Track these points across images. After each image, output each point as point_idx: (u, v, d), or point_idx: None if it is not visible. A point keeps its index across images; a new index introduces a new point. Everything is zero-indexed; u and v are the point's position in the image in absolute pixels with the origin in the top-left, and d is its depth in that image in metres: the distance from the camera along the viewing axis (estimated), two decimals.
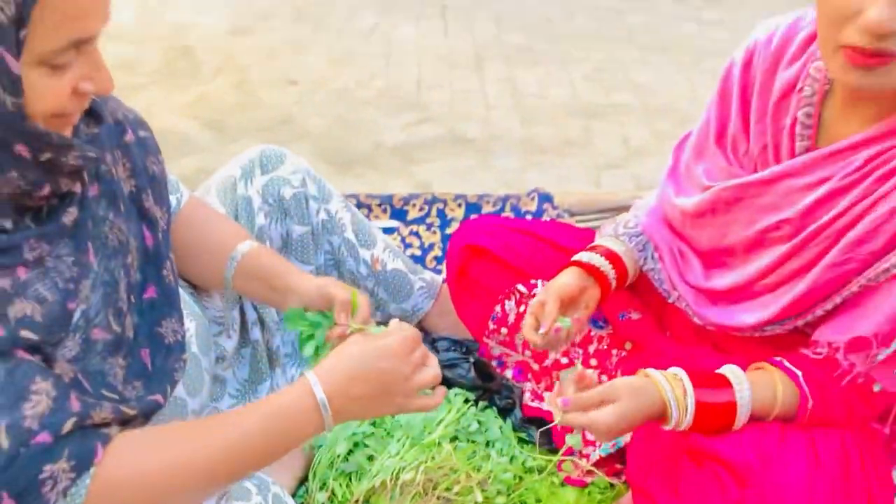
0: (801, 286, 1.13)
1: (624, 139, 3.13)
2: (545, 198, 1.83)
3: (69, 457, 0.87)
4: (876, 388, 1.08)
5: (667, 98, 3.43)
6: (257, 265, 1.24)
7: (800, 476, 1.02)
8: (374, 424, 1.31)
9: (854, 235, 1.07)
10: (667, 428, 1.09)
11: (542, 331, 1.20)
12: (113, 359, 1.03)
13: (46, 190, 0.93)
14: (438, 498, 1.17)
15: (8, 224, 0.91)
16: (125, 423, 0.96)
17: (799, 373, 1.10)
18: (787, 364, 1.12)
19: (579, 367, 1.12)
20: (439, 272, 1.69)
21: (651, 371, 1.10)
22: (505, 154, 3.05)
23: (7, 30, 0.77)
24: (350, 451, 1.27)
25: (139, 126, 1.15)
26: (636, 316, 1.38)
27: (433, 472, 1.19)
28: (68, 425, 0.88)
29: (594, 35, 4.10)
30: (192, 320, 1.21)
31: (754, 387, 1.09)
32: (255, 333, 1.41)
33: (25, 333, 0.88)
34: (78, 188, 1.00)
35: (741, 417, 1.09)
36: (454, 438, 1.28)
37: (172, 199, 1.24)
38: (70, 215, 0.98)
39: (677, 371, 1.10)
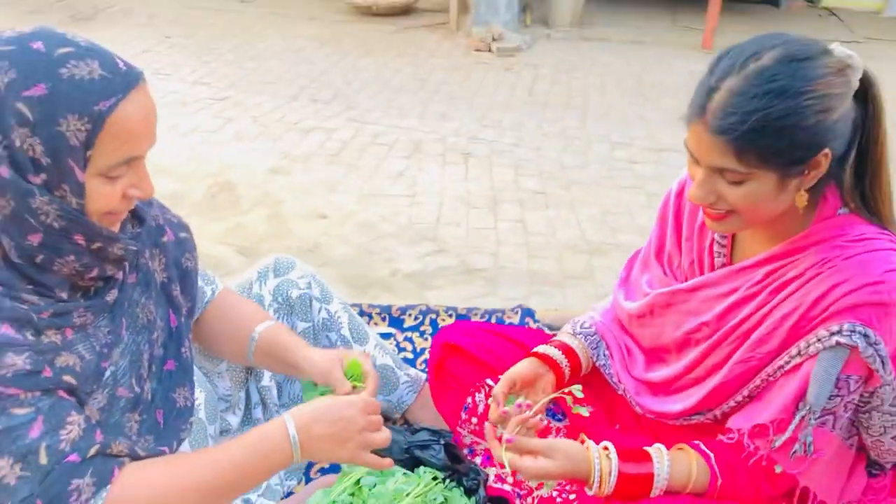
0: (715, 379, 1.33)
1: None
2: (527, 312, 2.05)
3: (92, 474, 1.08)
4: (777, 470, 1.25)
5: None
6: (273, 342, 1.49)
7: None
8: (352, 495, 1.49)
9: (755, 337, 1.27)
10: (588, 493, 1.26)
11: (495, 410, 1.40)
12: (131, 414, 1.26)
13: (95, 272, 1.19)
14: None
15: (64, 295, 1.17)
16: (135, 460, 1.18)
17: (711, 454, 1.28)
18: (702, 447, 1.30)
19: (528, 412, 1.32)
20: (425, 373, 1.90)
21: (589, 443, 1.29)
22: (511, 284, 3.30)
23: (78, 150, 1.06)
24: None
25: (180, 229, 1.44)
26: (588, 409, 1.57)
27: None
28: (92, 451, 1.10)
29: (605, 182, 4.43)
30: (202, 392, 1.44)
31: (673, 463, 1.27)
32: (258, 412, 1.62)
33: (67, 378, 1.12)
34: (119, 275, 1.26)
35: (658, 487, 1.26)
36: None
37: (208, 289, 1.51)
38: (111, 295, 1.24)
39: (608, 444, 1.29)
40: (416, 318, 2.05)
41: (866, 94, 1.19)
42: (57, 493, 1.06)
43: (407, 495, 1.44)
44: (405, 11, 7.68)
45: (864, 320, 1.18)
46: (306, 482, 1.63)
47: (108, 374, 1.21)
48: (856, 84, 1.17)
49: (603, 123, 5.32)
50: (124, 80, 1.10)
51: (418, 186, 4.26)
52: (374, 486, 1.50)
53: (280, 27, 7.22)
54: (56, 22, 7.05)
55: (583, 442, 1.30)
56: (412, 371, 1.81)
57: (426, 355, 1.98)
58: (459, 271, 3.42)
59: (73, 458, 1.09)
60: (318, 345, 1.72)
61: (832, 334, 1.19)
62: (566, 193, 4.25)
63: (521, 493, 1.53)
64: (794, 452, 1.21)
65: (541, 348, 1.53)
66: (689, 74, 6.39)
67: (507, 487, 1.55)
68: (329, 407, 1.26)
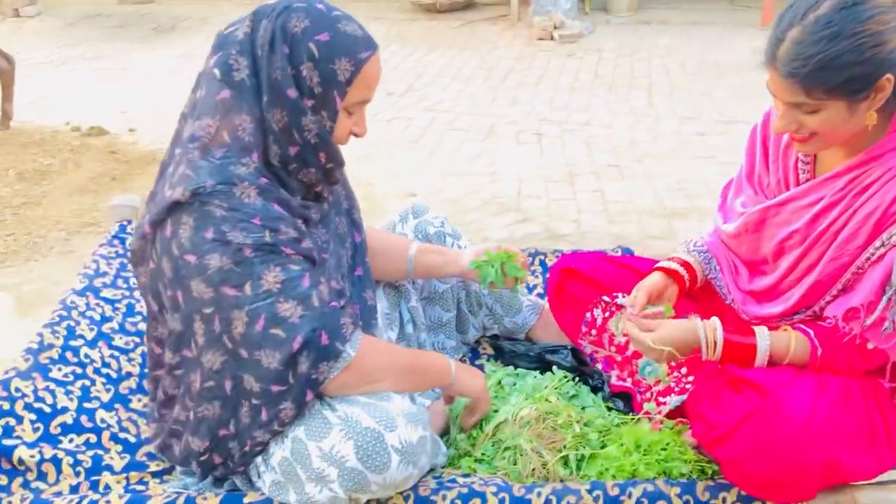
0: (811, 279, 1.54)
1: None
2: (627, 250, 2.29)
3: (349, 316, 1.44)
4: (869, 346, 1.46)
5: None
6: (427, 257, 1.85)
7: (806, 392, 1.40)
8: (495, 396, 1.75)
9: (843, 236, 1.48)
10: (703, 358, 1.51)
11: (633, 313, 1.64)
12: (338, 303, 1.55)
13: (320, 187, 1.51)
14: (546, 427, 1.58)
15: (299, 198, 1.49)
16: None
17: (811, 331, 1.50)
18: (802, 326, 1.52)
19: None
20: (544, 299, 2.15)
21: (695, 317, 1.54)
22: (594, 246, 3.52)
23: (342, 85, 1.40)
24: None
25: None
26: (696, 316, 1.80)
27: (543, 411, 1.61)
28: (342, 302, 1.47)
29: (677, 155, 4.61)
30: (380, 302, 1.76)
31: (773, 337, 1.51)
32: (409, 328, 1.91)
33: (313, 253, 1.44)
34: (329, 195, 1.57)
35: (760, 356, 1.49)
36: (557, 398, 1.70)
37: None
38: (326, 206, 1.55)
39: (714, 319, 1.53)
40: (526, 259, 2.30)
41: None
42: (333, 328, 1.39)
43: (545, 387, 1.70)
44: (467, 6, 7.96)
45: None
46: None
47: (326, 266, 1.53)
48: None
49: (669, 101, 5.50)
50: (373, 42, 1.45)
51: (496, 165, 4.51)
52: (515, 384, 1.77)
53: None
54: (138, 34, 7.52)
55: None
56: (532, 297, 2.08)
57: (538, 290, 2.23)
58: (544, 237, 3.66)
59: (335, 304, 1.43)
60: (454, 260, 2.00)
61: None
62: (640, 166, 4.45)
63: (641, 389, 1.76)
64: (885, 329, 1.41)
65: (664, 263, 1.77)
66: (751, 51, 6.50)
67: (628, 384, 1.79)
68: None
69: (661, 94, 5.65)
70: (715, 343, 1.52)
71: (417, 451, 1.38)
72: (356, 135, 1.51)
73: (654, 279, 1.72)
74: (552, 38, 6.95)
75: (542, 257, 2.32)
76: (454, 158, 4.63)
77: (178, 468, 1.59)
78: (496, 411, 1.67)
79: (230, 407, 1.45)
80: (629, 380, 1.80)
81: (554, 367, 1.79)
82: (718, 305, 1.74)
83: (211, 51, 1.47)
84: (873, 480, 1.47)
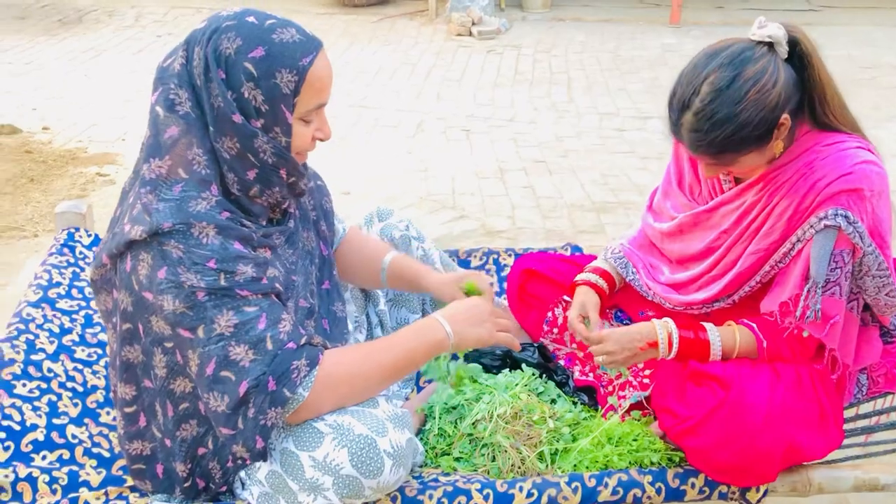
0: (734, 271, 1.68)
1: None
2: (576, 248, 2.39)
3: (306, 357, 1.39)
4: (805, 335, 1.60)
5: None
6: (402, 268, 1.81)
7: (764, 381, 1.53)
8: (468, 397, 1.81)
9: (762, 231, 1.63)
10: (658, 357, 1.62)
11: (595, 330, 1.75)
12: (308, 321, 1.56)
13: (286, 204, 1.49)
14: (522, 424, 1.65)
15: (263, 222, 1.47)
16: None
17: (755, 325, 1.64)
18: (745, 321, 1.66)
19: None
20: (501, 296, 2.22)
21: (652, 319, 1.65)
22: (530, 241, 3.63)
23: (288, 97, 1.36)
24: (452, 409, 1.77)
25: (317, 178, 1.75)
26: (651, 313, 1.90)
27: (518, 408, 1.68)
28: (303, 340, 1.40)
29: (599, 149, 4.77)
30: (349, 305, 1.77)
31: (723, 333, 1.64)
32: (378, 331, 1.94)
33: (276, 286, 1.42)
34: (293, 209, 1.56)
35: (714, 350, 1.61)
36: (528, 395, 1.77)
37: (340, 227, 1.82)
38: (290, 224, 1.54)
39: (668, 319, 1.65)
40: (480, 259, 2.37)
41: (797, 52, 1.53)
42: (283, 372, 1.36)
43: (516, 385, 1.77)
44: (384, 1, 7.96)
45: (843, 204, 1.52)
46: (418, 391, 1.94)
47: (293, 286, 1.52)
48: (784, 52, 1.52)
49: (588, 96, 5.67)
50: (314, 42, 1.40)
51: (428, 162, 4.56)
52: (487, 380, 1.83)
53: None
54: (43, 27, 7.19)
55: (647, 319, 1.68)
56: (495, 298, 2.14)
57: (496, 288, 2.30)
58: (481, 234, 3.74)
59: (291, 345, 1.38)
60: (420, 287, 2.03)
61: (820, 219, 1.53)
62: (565, 161, 4.59)
63: (604, 383, 1.86)
64: (808, 318, 1.54)
65: (584, 276, 1.90)
66: (661, 48, 6.78)
67: (590, 378, 1.88)
68: (463, 302, 1.61)
69: (579, 89, 5.82)
70: (671, 338, 1.63)
71: (407, 454, 1.42)
72: (320, 139, 1.47)
73: (586, 297, 1.85)
74: (471, 35, 7.03)
75: (495, 256, 2.39)
76: (385, 156, 4.65)
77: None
78: (470, 410, 1.73)
79: (207, 422, 1.45)
80: (591, 374, 1.89)
81: (523, 365, 1.86)
82: (665, 308, 1.85)
83: (152, 86, 1.41)
84: (823, 460, 1.60)
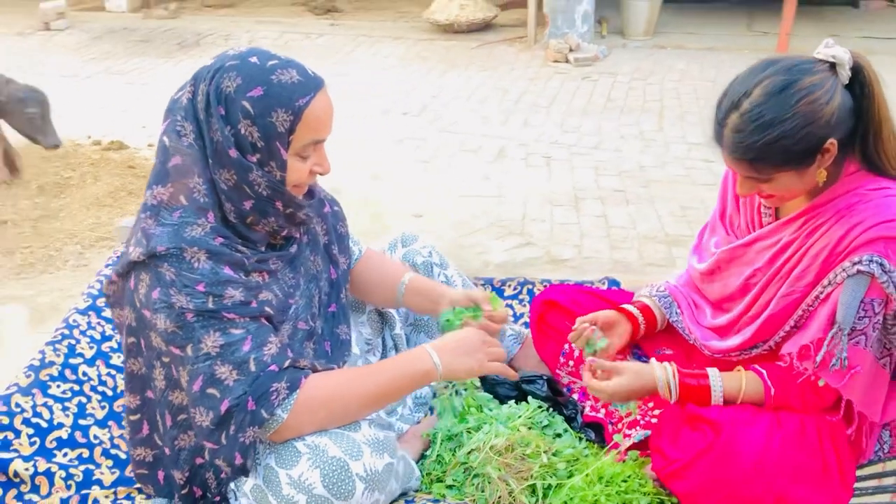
0: (766, 314, 1.61)
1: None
2: (613, 283, 2.35)
3: (286, 380, 1.44)
4: (820, 383, 1.52)
5: None
6: (419, 286, 1.85)
7: (760, 429, 1.47)
8: (470, 426, 1.82)
9: (795, 273, 1.56)
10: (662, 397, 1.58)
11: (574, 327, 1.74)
12: (307, 343, 1.62)
13: (285, 232, 1.57)
14: (514, 457, 1.65)
15: (262, 248, 1.54)
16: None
17: (764, 371, 1.57)
18: (756, 367, 1.59)
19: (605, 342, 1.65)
20: (527, 328, 2.22)
21: (652, 360, 1.60)
22: (595, 272, 3.57)
23: (283, 135, 1.44)
24: (453, 437, 1.78)
25: (334, 203, 1.82)
26: (669, 351, 1.86)
27: (514, 441, 1.68)
28: (286, 363, 1.46)
29: (683, 180, 4.66)
30: (355, 331, 1.81)
31: (726, 378, 1.58)
32: (392, 355, 1.98)
33: (267, 309, 1.49)
34: (297, 235, 1.63)
35: (715, 395, 1.56)
36: (529, 428, 1.76)
37: (356, 248, 1.89)
38: (293, 250, 1.61)
39: (669, 363, 1.60)
40: (514, 289, 2.38)
41: (859, 80, 1.46)
42: (262, 393, 1.42)
43: (518, 417, 1.76)
44: (485, 27, 8.06)
45: (880, 252, 1.44)
46: (431, 414, 1.97)
47: (291, 310, 1.58)
48: (846, 76, 1.45)
49: (679, 126, 5.55)
50: (314, 83, 1.47)
51: (504, 188, 4.58)
52: (492, 409, 1.84)
53: (368, 47, 7.69)
54: (163, 50, 7.70)
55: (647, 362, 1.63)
56: (516, 326, 2.15)
57: (525, 318, 2.30)
58: (545, 261, 3.73)
59: (273, 368, 1.44)
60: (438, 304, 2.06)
61: (854, 264, 1.45)
62: (645, 191, 4.51)
63: (613, 420, 1.82)
64: (833, 366, 1.47)
65: (624, 306, 1.85)
66: None
67: (600, 416, 1.85)
68: (454, 333, 1.64)
69: (671, 118, 5.70)
70: (670, 386, 1.59)
71: (383, 479, 1.45)
72: (319, 174, 1.54)
73: (605, 313, 1.82)
74: (567, 61, 7.02)
75: (529, 286, 2.39)
76: (463, 180, 4.71)
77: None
78: (470, 438, 1.74)
79: None
80: (603, 411, 1.86)
81: (529, 397, 1.85)
82: (687, 345, 1.80)
83: (163, 117, 1.51)
84: None
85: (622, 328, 1.82)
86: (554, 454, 1.69)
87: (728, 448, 1.46)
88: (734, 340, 1.67)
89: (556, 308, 1.98)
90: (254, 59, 1.46)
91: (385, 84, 6.63)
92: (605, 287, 2.32)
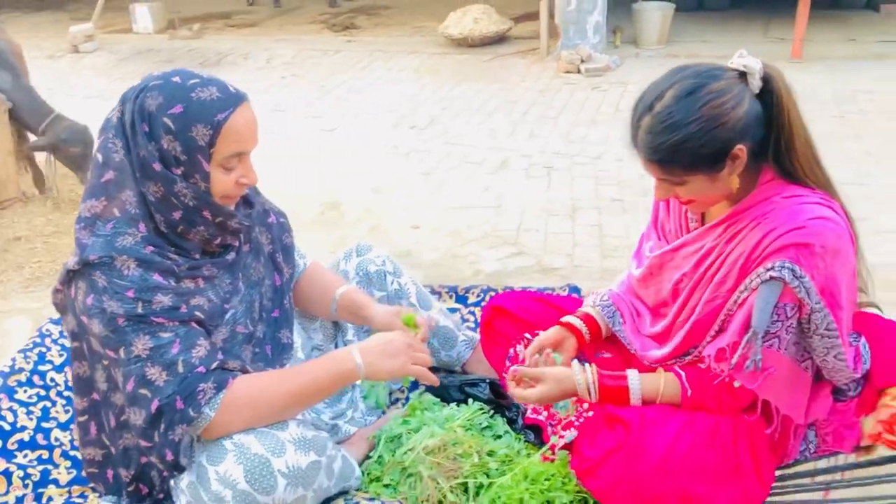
0: (692, 319, 1.65)
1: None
2: (574, 289, 2.40)
3: (213, 381, 1.52)
4: (736, 385, 1.55)
5: None
6: (350, 300, 1.92)
7: (670, 429, 1.51)
8: (411, 418, 1.88)
9: (716, 279, 1.59)
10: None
11: (522, 358, 1.79)
12: (247, 346, 1.70)
13: (218, 240, 1.65)
14: (447, 457, 1.71)
15: (197, 256, 1.63)
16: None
17: (682, 373, 1.61)
18: (675, 368, 1.63)
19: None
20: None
21: (574, 363, 1.65)
22: (584, 280, 3.61)
23: (204, 148, 1.52)
24: (395, 439, 1.85)
25: (281, 215, 1.91)
26: (607, 354, 1.90)
27: (447, 441, 1.73)
28: (214, 365, 1.54)
29: None
30: (300, 337, 1.89)
31: (644, 379, 1.62)
32: None
33: (197, 314, 1.57)
34: (236, 243, 1.72)
35: (634, 396, 1.60)
36: (467, 429, 1.82)
37: (301, 262, 1.97)
38: (230, 257, 1.69)
39: (591, 365, 1.65)
40: (477, 296, 2.44)
41: (769, 89, 1.49)
42: (190, 393, 1.51)
43: (457, 419, 1.82)
44: (499, 40, 8.14)
45: (792, 258, 1.47)
46: (384, 416, 2.04)
47: (228, 314, 1.67)
48: (756, 85, 1.49)
49: None
50: (234, 99, 1.57)
51: (502, 199, 4.64)
52: (436, 412, 1.90)
53: (383, 62, 7.82)
54: (187, 68, 7.92)
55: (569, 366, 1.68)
56: (469, 332, 2.21)
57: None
58: (535, 270, 3.77)
59: (201, 369, 1.53)
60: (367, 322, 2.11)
61: (767, 270, 1.48)
62: (643, 200, 4.52)
63: (553, 422, 1.87)
64: (747, 368, 1.50)
65: (565, 318, 1.90)
66: None
67: (541, 418, 1.89)
68: (381, 335, 1.71)
69: None
70: (590, 389, 1.64)
71: (308, 475, 1.52)
72: (245, 185, 1.61)
73: (550, 333, 1.87)
74: (579, 72, 7.06)
75: (493, 293, 2.44)
76: (462, 191, 4.77)
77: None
78: (409, 439, 1.80)
79: None
80: (544, 413, 1.90)
81: (469, 400, 1.91)
82: (627, 353, 1.84)
83: (97, 134, 1.61)
84: None
85: (569, 343, 1.87)
86: (488, 454, 1.74)
87: (637, 447, 1.50)
88: (666, 349, 1.71)
89: (503, 314, 2.03)
90: (176, 79, 1.55)
91: (396, 98, 6.73)
92: (565, 292, 2.36)
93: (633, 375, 1.65)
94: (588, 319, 1.90)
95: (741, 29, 8.22)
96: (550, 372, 1.69)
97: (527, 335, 1.99)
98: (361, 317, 1.90)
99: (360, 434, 1.89)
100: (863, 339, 1.69)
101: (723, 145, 1.48)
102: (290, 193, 4.75)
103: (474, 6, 8.02)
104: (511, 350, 2.00)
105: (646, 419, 1.55)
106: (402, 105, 6.53)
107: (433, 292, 2.45)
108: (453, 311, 2.39)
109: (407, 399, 2.10)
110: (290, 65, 7.99)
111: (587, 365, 1.69)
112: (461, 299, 2.44)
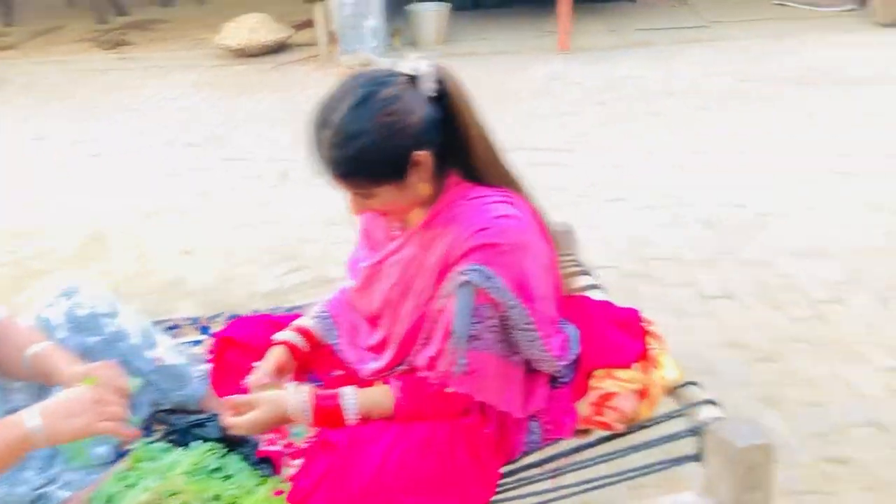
0: (401, 330, 1.62)
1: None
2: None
3: None
4: (449, 391, 1.54)
5: None
6: (39, 366, 1.72)
7: (380, 445, 1.47)
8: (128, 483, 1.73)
9: (417, 287, 1.57)
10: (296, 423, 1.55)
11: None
12: None
13: None
14: None
15: None
16: None
17: (398, 383, 1.57)
18: (392, 380, 1.59)
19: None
20: None
21: (289, 386, 1.58)
22: None
23: None
24: (112, 498, 1.69)
25: None
26: (340, 373, 1.84)
27: (162, 494, 1.61)
28: None
29: None
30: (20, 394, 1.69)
31: (360, 394, 1.57)
32: None
33: None
34: None
35: (349, 415, 1.55)
36: (194, 474, 1.70)
37: None
38: None
39: (305, 387, 1.58)
40: (223, 324, 2.30)
41: (443, 92, 1.48)
42: None
43: (180, 466, 1.69)
44: (279, 49, 7.96)
45: (480, 260, 1.47)
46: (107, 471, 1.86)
47: None
48: (429, 88, 1.47)
49: None
50: None
51: (282, 213, 4.51)
52: (164, 460, 1.75)
53: (159, 78, 7.42)
54: None
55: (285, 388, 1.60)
56: (204, 367, 2.07)
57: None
58: (313, 285, 3.68)
59: None
60: (111, 355, 1.93)
61: (459, 275, 1.48)
62: None
63: (289, 451, 1.78)
64: (455, 373, 1.49)
65: (281, 335, 1.82)
66: (546, 77, 6.81)
67: (277, 448, 1.80)
68: (63, 392, 1.54)
69: None
70: (304, 410, 1.57)
71: None
72: None
73: (273, 356, 1.77)
74: None
75: (202, 325, 2.33)
76: (239, 209, 4.60)
77: None
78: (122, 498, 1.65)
79: None
80: (281, 442, 1.81)
81: (197, 441, 1.78)
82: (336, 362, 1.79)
83: None
84: None
85: (291, 362, 1.79)
86: (214, 499, 1.63)
87: (344, 469, 1.45)
88: (380, 362, 1.67)
89: (233, 345, 1.93)
90: None
91: (172, 115, 6.41)
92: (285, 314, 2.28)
93: (347, 392, 1.59)
94: (306, 333, 1.84)
95: (516, 25, 8.54)
96: (265, 396, 1.59)
97: (254, 364, 1.88)
98: (55, 383, 1.71)
99: (77, 498, 1.71)
100: (572, 325, 1.73)
101: (403, 153, 1.46)
102: (48, 228, 4.39)
103: (249, 16, 7.80)
104: (241, 382, 1.89)
105: (355, 438, 1.50)
106: (178, 122, 6.22)
107: (174, 327, 2.29)
108: (197, 343, 2.24)
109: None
110: (54, 88, 7.40)
111: (303, 386, 1.62)
112: (204, 330, 2.30)
